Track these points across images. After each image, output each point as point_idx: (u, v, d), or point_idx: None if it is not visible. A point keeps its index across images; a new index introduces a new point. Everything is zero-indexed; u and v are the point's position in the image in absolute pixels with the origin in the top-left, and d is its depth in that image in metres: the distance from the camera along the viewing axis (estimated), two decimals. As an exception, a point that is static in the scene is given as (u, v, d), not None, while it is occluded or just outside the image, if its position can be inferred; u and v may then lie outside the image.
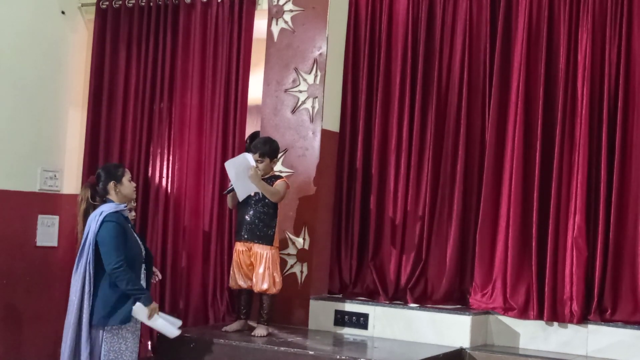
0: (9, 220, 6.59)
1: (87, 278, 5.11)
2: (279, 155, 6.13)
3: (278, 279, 5.77)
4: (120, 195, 5.27)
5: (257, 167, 5.73)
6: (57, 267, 6.94)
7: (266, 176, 5.80)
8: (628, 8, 5.78)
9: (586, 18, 5.85)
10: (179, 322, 5.33)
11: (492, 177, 6.04)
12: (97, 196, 5.28)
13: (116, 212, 5.18)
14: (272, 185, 5.76)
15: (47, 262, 6.90)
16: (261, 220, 5.76)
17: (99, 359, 5.10)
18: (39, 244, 6.84)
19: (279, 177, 5.89)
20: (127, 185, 5.31)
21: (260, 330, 5.75)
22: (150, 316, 5.14)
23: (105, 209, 5.18)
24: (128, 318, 5.13)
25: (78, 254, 5.19)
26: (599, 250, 5.73)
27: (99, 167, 6.84)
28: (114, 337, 5.12)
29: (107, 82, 7.02)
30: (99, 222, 5.12)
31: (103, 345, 5.09)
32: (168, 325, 5.26)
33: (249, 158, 5.73)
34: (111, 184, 5.25)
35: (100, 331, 5.11)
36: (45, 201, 6.90)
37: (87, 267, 5.12)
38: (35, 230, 6.82)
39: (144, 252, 5.30)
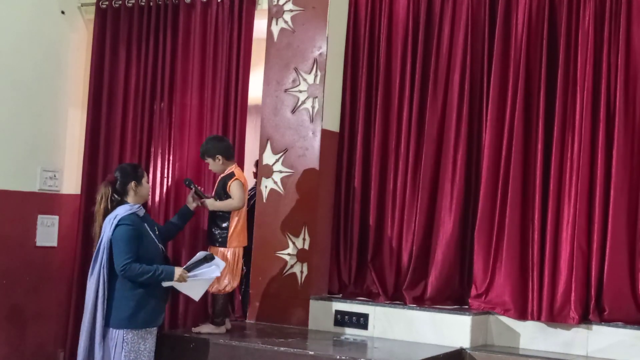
0: (9, 220, 6.59)
1: (102, 281, 5.20)
2: (278, 154, 6.12)
3: (226, 279, 5.73)
4: (138, 196, 5.38)
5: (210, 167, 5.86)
6: (56, 267, 6.95)
7: (223, 174, 5.80)
8: (627, 7, 5.77)
9: (586, 17, 5.85)
10: (217, 268, 5.41)
11: (491, 177, 6.02)
12: (116, 195, 5.34)
13: (131, 213, 5.25)
14: (227, 187, 5.72)
15: (46, 262, 6.90)
16: (214, 224, 5.77)
17: None
18: (38, 244, 6.84)
19: (233, 175, 5.79)
20: (145, 186, 5.45)
21: (203, 328, 5.80)
22: (181, 282, 5.29)
23: (120, 212, 5.26)
24: (150, 321, 5.25)
25: (94, 257, 5.28)
26: (599, 250, 5.73)
27: (98, 167, 6.94)
28: (135, 338, 5.21)
29: (107, 82, 7.02)
30: (113, 225, 5.20)
31: (124, 347, 5.16)
32: (203, 279, 5.40)
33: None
34: (132, 184, 5.35)
35: (121, 333, 5.17)
36: (45, 201, 6.90)
37: (102, 271, 5.20)
38: (35, 230, 6.82)
39: (162, 252, 5.42)
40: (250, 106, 6.75)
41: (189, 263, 5.43)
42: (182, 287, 5.41)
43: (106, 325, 5.18)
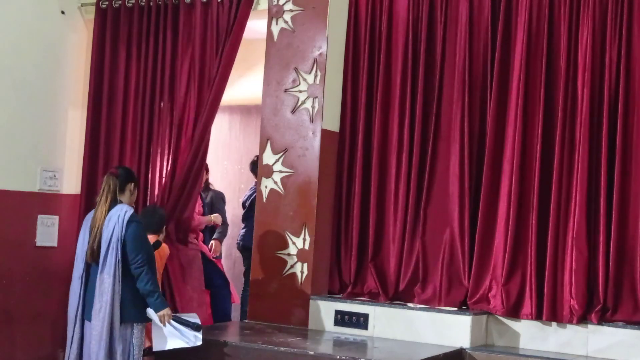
0: (9, 220, 6.60)
1: (117, 278, 5.21)
2: (278, 154, 6.15)
3: None
4: (131, 199, 5.44)
5: None
6: (56, 267, 6.93)
7: None
8: (628, 7, 5.77)
9: (586, 17, 5.84)
10: (190, 341, 5.37)
11: (492, 177, 6.02)
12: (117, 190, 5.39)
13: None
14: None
15: (46, 262, 6.90)
16: None
17: (129, 355, 5.24)
18: (38, 244, 6.84)
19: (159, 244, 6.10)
20: (135, 194, 5.52)
21: None
22: (162, 322, 5.29)
23: (127, 209, 5.28)
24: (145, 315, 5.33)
25: (104, 253, 5.23)
26: (600, 250, 5.72)
27: (98, 167, 6.94)
28: (140, 332, 5.31)
29: (107, 82, 7.01)
30: (125, 221, 5.21)
31: (134, 341, 5.26)
32: (174, 336, 5.34)
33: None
34: (131, 185, 5.43)
35: (129, 327, 5.25)
36: (45, 201, 6.90)
37: (117, 266, 5.21)
38: (35, 230, 6.82)
39: None
40: (250, 106, 6.77)
41: (179, 315, 5.48)
42: (155, 329, 5.39)
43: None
